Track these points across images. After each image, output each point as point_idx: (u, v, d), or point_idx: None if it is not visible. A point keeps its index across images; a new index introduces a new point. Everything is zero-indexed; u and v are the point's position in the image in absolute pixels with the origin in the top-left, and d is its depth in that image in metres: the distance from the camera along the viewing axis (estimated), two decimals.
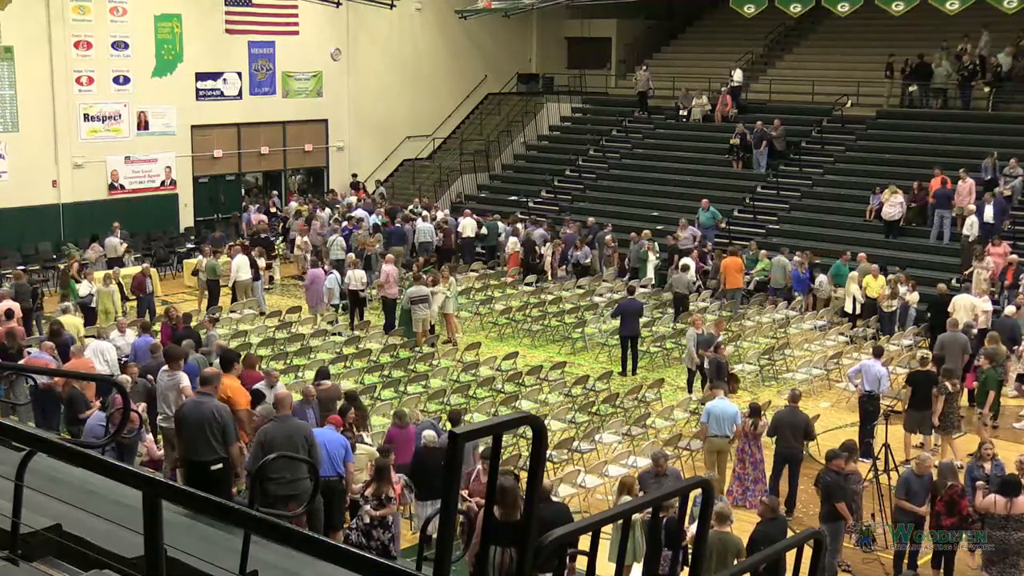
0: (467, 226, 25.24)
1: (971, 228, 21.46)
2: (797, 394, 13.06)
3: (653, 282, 22.27)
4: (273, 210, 27.33)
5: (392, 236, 24.10)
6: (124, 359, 14.93)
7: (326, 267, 20.77)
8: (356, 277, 19.81)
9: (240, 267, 20.49)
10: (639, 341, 18.01)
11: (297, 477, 8.66)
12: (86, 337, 16.02)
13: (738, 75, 29.20)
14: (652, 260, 22.54)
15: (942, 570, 10.73)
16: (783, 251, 21.91)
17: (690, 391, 16.12)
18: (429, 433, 11.21)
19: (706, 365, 15.30)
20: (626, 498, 10.04)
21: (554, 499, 10.30)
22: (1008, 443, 14.13)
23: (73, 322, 16.50)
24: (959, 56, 26.22)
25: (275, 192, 29.16)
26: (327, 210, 26.27)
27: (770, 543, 9.33)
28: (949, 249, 21.90)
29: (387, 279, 19.58)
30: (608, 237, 23.79)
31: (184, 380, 11.36)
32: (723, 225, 24.51)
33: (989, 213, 21.26)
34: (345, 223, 24.54)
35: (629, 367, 17.76)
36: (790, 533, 9.81)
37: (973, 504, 10.46)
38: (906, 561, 10.77)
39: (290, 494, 8.51)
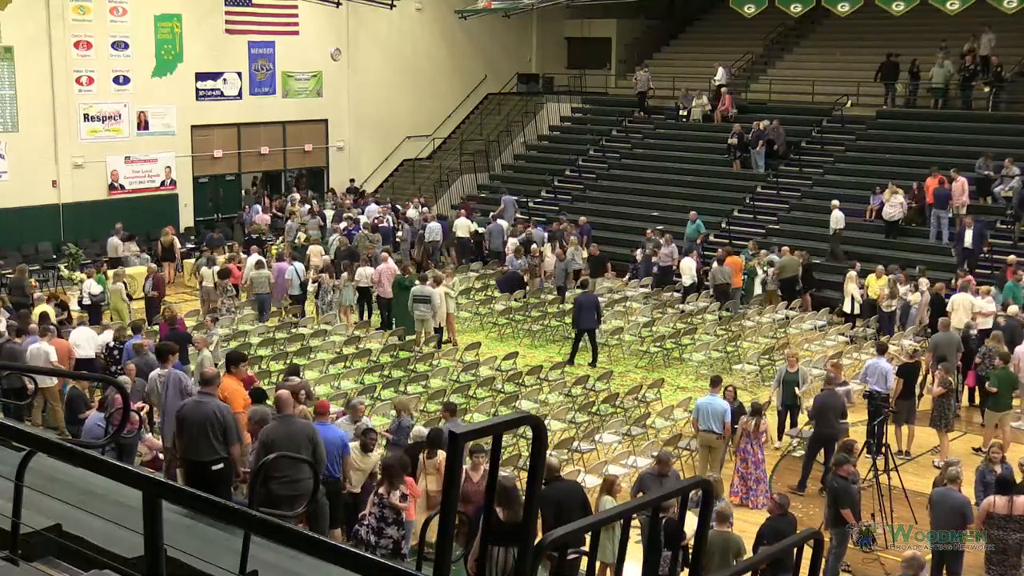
0: (460, 226, 25.24)
1: (837, 222, 22.43)
2: (832, 376, 13.58)
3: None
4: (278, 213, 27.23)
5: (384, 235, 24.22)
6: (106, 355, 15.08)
7: (287, 259, 20.70)
8: (364, 275, 19.87)
9: (251, 264, 20.55)
10: (595, 333, 18.19)
11: (300, 477, 8.64)
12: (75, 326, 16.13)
13: (720, 74, 29.20)
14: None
15: (944, 570, 10.71)
16: (782, 251, 21.93)
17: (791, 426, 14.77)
18: (420, 429, 11.32)
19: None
20: (607, 498, 10.07)
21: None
22: (1010, 443, 14.14)
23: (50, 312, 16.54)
24: (963, 56, 26.21)
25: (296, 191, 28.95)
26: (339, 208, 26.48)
27: (778, 538, 9.35)
28: (949, 249, 21.88)
29: (380, 277, 19.62)
30: (533, 246, 22.95)
31: (178, 376, 11.33)
32: (710, 238, 24.34)
33: (968, 238, 20.81)
34: (344, 223, 24.56)
35: (588, 359, 17.97)
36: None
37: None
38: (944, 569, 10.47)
39: (293, 494, 8.48)
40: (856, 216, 23.49)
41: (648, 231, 23.62)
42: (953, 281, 19.18)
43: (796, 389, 14.36)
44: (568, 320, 20.15)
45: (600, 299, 21.18)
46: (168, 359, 11.71)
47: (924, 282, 19.20)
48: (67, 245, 23.90)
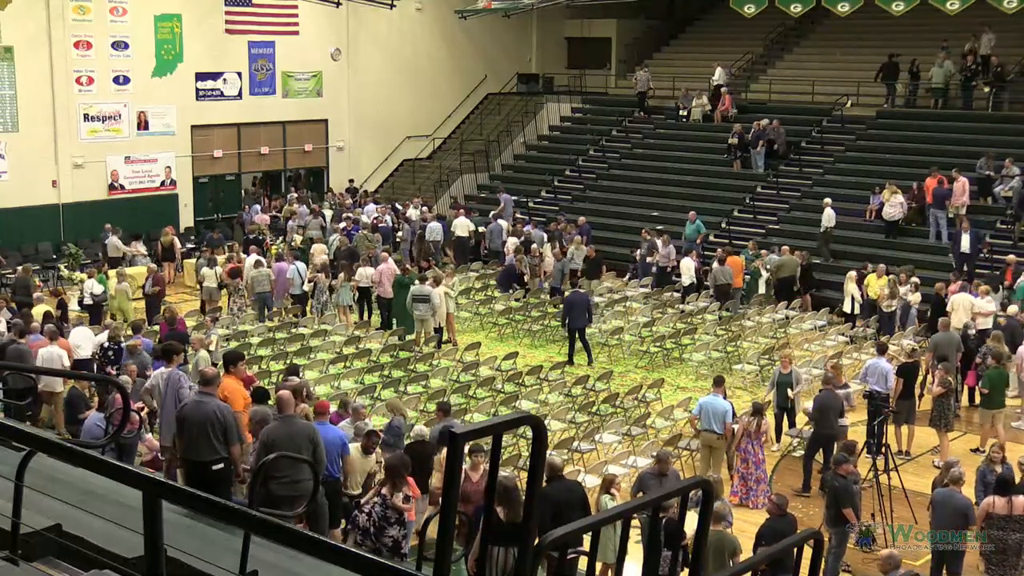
0: (460, 226, 25.24)
1: (829, 220, 22.53)
2: (831, 376, 13.58)
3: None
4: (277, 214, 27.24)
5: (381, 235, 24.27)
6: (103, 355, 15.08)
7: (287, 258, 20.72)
8: (364, 275, 19.89)
9: (249, 264, 20.57)
10: (584, 332, 18.16)
11: (300, 478, 8.65)
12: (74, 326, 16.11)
13: (718, 74, 29.21)
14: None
15: (944, 570, 10.71)
16: (782, 250, 21.93)
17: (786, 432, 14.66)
18: (422, 428, 11.32)
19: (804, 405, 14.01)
20: (606, 496, 10.08)
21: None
22: (1008, 443, 14.13)
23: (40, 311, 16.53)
24: (964, 55, 26.20)
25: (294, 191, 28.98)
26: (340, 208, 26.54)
27: (778, 539, 9.34)
28: (948, 249, 21.86)
29: (381, 277, 19.62)
30: (534, 246, 22.89)
31: (177, 376, 11.33)
32: (710, 238, 24.29)
33: (966, 243, 20.73)
34: (344, 223, 24.56)
35: (585, 358, 17.96)
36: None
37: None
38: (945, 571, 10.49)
39: (293, 494, 8.48)
40: (856, 216, 23.49)
41: (643, 231, 23.59)
42: (951, 284, 19.16)
43: (788, 391, 14.28)
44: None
45: (600, 299, 21.25)
46: (173, 359, 11.70)
47: (915, 281, 19.23)
48: (67, 245, 23.90)
